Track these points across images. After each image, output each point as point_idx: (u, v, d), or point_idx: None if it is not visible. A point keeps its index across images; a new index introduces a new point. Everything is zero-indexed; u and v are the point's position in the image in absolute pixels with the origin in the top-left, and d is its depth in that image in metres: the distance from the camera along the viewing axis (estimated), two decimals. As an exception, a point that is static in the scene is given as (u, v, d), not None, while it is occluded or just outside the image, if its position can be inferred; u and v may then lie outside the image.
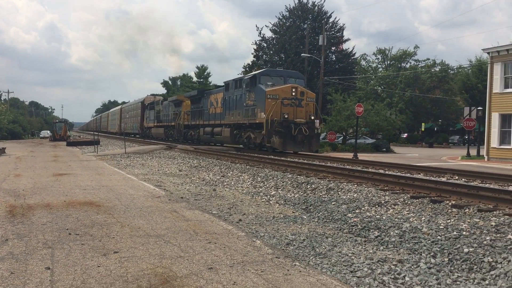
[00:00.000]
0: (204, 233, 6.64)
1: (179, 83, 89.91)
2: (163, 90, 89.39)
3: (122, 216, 7.75)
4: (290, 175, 13.41)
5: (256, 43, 50.17)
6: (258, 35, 50.01)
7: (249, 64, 50.79)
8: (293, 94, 22.93)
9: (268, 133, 22.33)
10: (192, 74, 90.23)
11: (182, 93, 50.51)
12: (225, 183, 13.08)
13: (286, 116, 22.24)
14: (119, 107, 74.46)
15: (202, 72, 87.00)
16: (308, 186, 11.39)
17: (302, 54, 40.11)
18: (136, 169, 17.03)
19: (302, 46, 44.73)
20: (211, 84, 76.79)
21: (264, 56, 49.84)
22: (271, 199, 10.35)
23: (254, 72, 25.35)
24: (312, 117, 23.07)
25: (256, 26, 66.14)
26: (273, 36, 49.49)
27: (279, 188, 11.72)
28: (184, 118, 36.24)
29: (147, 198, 9.79)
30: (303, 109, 23.09)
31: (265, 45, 49.64)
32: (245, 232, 6.92)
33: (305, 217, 8.38)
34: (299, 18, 48.41)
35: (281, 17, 49.79)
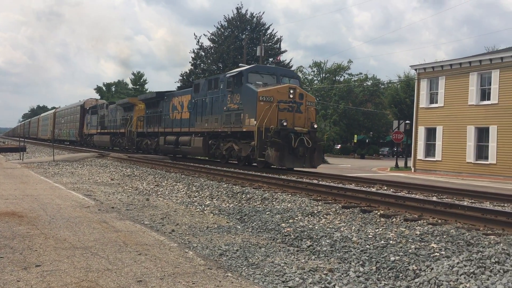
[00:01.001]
0: (134, 244, 6.43)
1: (113, 89, 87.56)
2: (96, 96, 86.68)
3: (46, 227, 7.36)
4: (225, 185, 13.36)
5: (194, 52, 49.96)
6: (196, 44, 49.90)
7: (186, 72, 50.42)
8: (291, 96, 18.65)
9: (260, 145, 17.82)
10: (128, 80, 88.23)
11: (117, 100, 46.43)
12: (159, 193, 12.80)
13: (284, 124, 17.88)
14: (52, 111, 68.70)
15: (138, 78, 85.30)
16: (243, 196, 11.39)
17: (240, 64, 40.41)
18: (64, 177, 16.29)
19: (240, 56, 45.09)
20: (147, 91, 75.35)
21: (202, 65, 49.69)
22: (205, 209, 10.24)
23: (239, 69, 20.41)
24: (315, 126, 19.04)
25: (195, 34, 65.98)
26: (211, 45, 49.51)
27: (214, 198, 11.64)
28: (137, 124, 31.70)
29: (75, 208, 9.37)
30: (302, 115, 18.92)
31: (203, 54, 49.53)
32: (177, 243, 6.78)
33: (239, 227, 8.35)
34: (237, 29, 48.78)
35: (219, 27, 49.97)
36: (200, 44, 49.61)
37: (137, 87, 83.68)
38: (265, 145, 17.67)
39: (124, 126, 33.87)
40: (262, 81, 19.53)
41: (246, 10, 49.39)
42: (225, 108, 20.52)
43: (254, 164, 19.83)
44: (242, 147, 19.55)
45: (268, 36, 48.66)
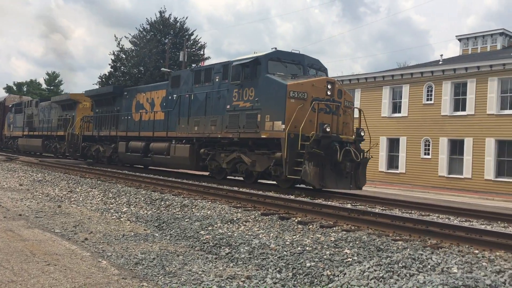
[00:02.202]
0: (43, 254, 6.06)
1: (25, 89, 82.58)
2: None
3: None
4: (144, 191, 13.03)
5: (114, 54, 48.45)
6: (117, 46, 48.43)
7: (105, 74, 48.74)
8: (329, 93, 13.94)
9: (291, 157, 13.11)
10: (42, 80, 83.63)
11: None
12: (72, 199, 12.21)
13: (327, 130, 13.17)
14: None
15: (53, 79, 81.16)
16: (162, 203, 11.16)
17: (162, 69, 39.76)
18: (-34, 182, 15.07)
19: (162, 60, 44.38)
20: (63, 92, 71.79)
21: (122, 67, 48.30)
22: (122, 216, 9.91)
23: (255, 55, 15.15)
24: (362, 133, 14.52)
25: (115, 36, 63.99)
26: (133, 48, 48.31)
27: (132, 205, 11.30)
28: (82, 126, 25.93)
29: (-23, 216, 8.68)
30: (341, 118, 14.31)
31: (123, 56, 48.16)
32: (90, 252, 6.49)
33: (157, 234, 8.16)
34: (160, 32, 48.01)
35: (141, 30, 48.90)
36: (120, 46, 48.22)
37: (52, 87, 79.53)
38: (297, 158, 13.05)
39: (63, 128, 27.57)
40: (284, 71, 14.68)
41: (170, 14, 48.72)
42: (228, 106, 15.44)
43: (272, 182, 15.18)
44: (257, 159, 14.54)
45: (191, 41, 48.38)
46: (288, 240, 7.24)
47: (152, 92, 20.73)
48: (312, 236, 7.49)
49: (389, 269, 5.36)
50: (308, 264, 5.96)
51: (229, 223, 8.75)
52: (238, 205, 10.81)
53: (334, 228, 8.10)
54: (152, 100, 20.47)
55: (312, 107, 13.43)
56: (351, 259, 6.09)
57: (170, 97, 18.96)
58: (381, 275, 5.24)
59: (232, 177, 16.58)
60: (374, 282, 5.12)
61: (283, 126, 13.43)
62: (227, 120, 15.50)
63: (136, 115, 21.36)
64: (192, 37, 49.66)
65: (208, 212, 9.84)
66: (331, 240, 7.14)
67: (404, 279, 5.08)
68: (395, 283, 4.98)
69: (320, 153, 12.82)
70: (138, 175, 18.15)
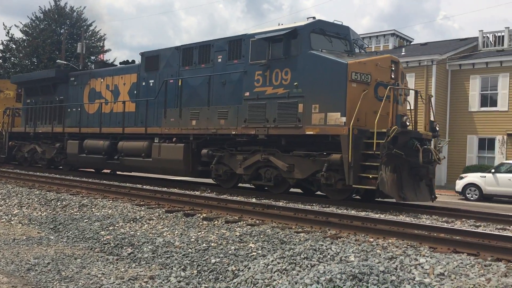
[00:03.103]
0: None
1: None
2: None
3: None
4: (38, 192, 12.17)
5: (2, 44, 44.77)
6: (6, 35, 44.83)
7: (-7, 65, 44.88)
8: (393, 76, 11.19)
9: (355, 161, 10.07)
10: None
11: None
12: (-47, 202, 11.08)
13: (407, 124, 10.42)
14: None
15: None
16: (59, 203, 10.51)
17: (58, 61, 37.43)
18: None
19: (58, 52, 41.84)
20: None
21: (13, 58, 44.81)
22: (13, 219, 9.19)
23: (292, 25, 11.90)
24: (437, 126, 11.67)
25: (4, 24, 59.22)
26: (24, 37, 44.97)
27: (24, 206, 10.51)
28: (6, 121, 20.99)
29: None
30: (401, 108, 11.45)
31: (13, 46, 44.66)
32: (-26, 260, 5.92)
33: (52, 237, 7.67)
34: (55, 22, 45.15)
35: (34, 18, 45.66)
36: (10, 35, 44.66)
37: None
38: (362, 161, 10.19)
39: None
40: (329, 47, 11.51)
41: (66, 3, 45.98)
42: (248, 94, 12.07)
43: (317, 193, 12.15)
44: (297, 163, 11.25)
45: (90, 32, 46.11)
46: (193, 237, 7.16)
47: (114, 78, 16.65)
48: (217, 232, 7.48)
49: (291, 261, 5.50)
50: (213, 261, 5.94)
51: (131, 222, 8.46)
52: (141, 203, 10.50)
53: (239, 223, 8.16)
54: (116, 88, 16.46)
55: (375, 93, 10.72)
56: (255, 253, 6.16)
57: (144, 83, 15.27)
58: (284, 267, 5.36)
59: (243, 186, 13.52)
60: (278, 274, 5.22)
61: (343, 119, 10.36)
62: (245, 112, 12.09)
63: (91, 106, 17.26)
64: (91, 28, 47.38)
65: (109, 212, 9.44)
66: (236, 235, 7.18)
67: (306, 270, 5.24)
68: (297, 274, 5.11)
69: (400, 155, 9.92)
70: (32, 174, 16.93)
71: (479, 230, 7.71)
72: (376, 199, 11.23)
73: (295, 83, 11.19)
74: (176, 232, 7.62)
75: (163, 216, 8.87)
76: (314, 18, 12.00)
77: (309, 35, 11.35)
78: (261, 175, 12.15)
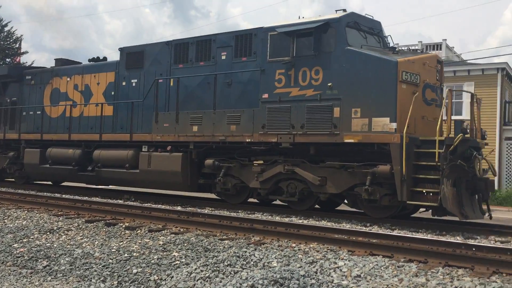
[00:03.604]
0: None
1: None
2: None
3: None
4: None
5: None
6: None
7: None
8: (437, 76, 10.29)
9: (409, 173, 8.79)
10: None
11: None
12: None
13: (468, 130, 9.29)
14: None
15: None
16: (-34, 215, 9.79)
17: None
18: None
19: (-32, 53, 39.12)
20: None
21: None
22: None
23: (322, 17, 10.63)
24: (486, 135, 10.47)
25: None
26: None
27: None
28: None
29: None
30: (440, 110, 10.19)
31: None
32: None
33: (-42, 252, 7.12)
34: (-35, 21, 42.17)
35: None
36: None
37: None
38: (415, 173, 8.92)
39: None
40: (365, 44, 10.31)
41: (-21, 1, 43.15)
42: (266, 95, 10.71)
43: (359, 211, 10.39)
44: (330, 175, 9.94)
45: (5, 33, 43.51)
46: (114, 247, 6.94)
47: (85, 76, 14.47)
48: (140, 241, 7.31)
49: (215, 268, 5.50)
50: (134, 271, 5.79)
51: (48, 233, 8.05)
52: (59, 213, 10.03)
53: (163, 232, 8.04)
54: (87, 88, 14.33)
55: (423, 96, 9.65)
56: (179, 262, 6.09)
57: (124, 83, 13.36)
58: (207, 275, 5.35)
59: (253, 202, 11.94)
60: (201, 282, 5.20)
61: (394, 125, 9.12)
62: (263, 116, 10.66)
63: (55, 109, 15.01)
64: (6, 29, 44.75)
65: (24, 223, 8.93)
66: (160, 244, 7.06)
67: (229, 277, 5.26)
68: (220, 281, 5.12)
69: (463, 166, 8.74)
70: None
71: (394, 233, 8.13)
72: (433, 216, 9.36)
73: (329, 84, 9.86)
74: (96, 242, 7.35)
75: (83, 226, 8.53)
76: (344, 10, 10.67)
77: (345, 29, 10.03)
78: (281, 189, 10.63)
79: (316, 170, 10.05)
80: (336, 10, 10.79)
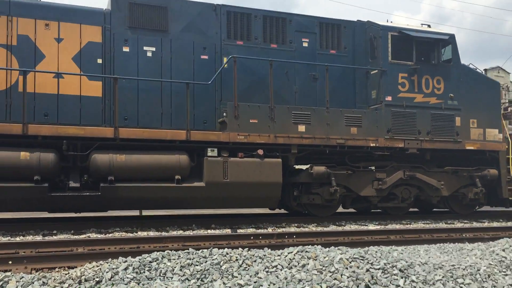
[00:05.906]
0: None
1: None
2: None
3: None
4: None
5: None
6: None
7: None
8: None
9: (504, 175, 11.27)
10: None
11: None
12: None
13: None
14: None
15: None
16: None
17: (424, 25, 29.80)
18: None
19: None
20: None
21: None
22: None
23: (440, 30, 11.68)
24: None
25: None
26: None
27: None
28: None
29: None
30: None
31: None
32: None
33: None
34: None
35: None
36: None
37: None
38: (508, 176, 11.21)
39: None
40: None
41: None
42: (389, 98, 10.34)
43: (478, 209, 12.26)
44: (445, 179, 10.81)
45: None
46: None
47: (21, 21, 8.68)
48: None
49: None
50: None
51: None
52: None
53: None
54: (27, 43, 8.69)
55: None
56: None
57: (128, 49, 9.30)
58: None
59: (347, 211, 11.56)
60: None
61: (501, 136, 11.25)
62: (388, 120, 10.27)
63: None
64: None
65: None
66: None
67: None
68: None
69: None
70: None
71: None
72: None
73: (451, 95, 10.85)
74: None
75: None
76: (429, 26, 11.50)
77: (456, 46, 11.10)
78: (393, 196, 10.61)
79: (434, 175, 10.85)
80: (421, 24, 11.60)
